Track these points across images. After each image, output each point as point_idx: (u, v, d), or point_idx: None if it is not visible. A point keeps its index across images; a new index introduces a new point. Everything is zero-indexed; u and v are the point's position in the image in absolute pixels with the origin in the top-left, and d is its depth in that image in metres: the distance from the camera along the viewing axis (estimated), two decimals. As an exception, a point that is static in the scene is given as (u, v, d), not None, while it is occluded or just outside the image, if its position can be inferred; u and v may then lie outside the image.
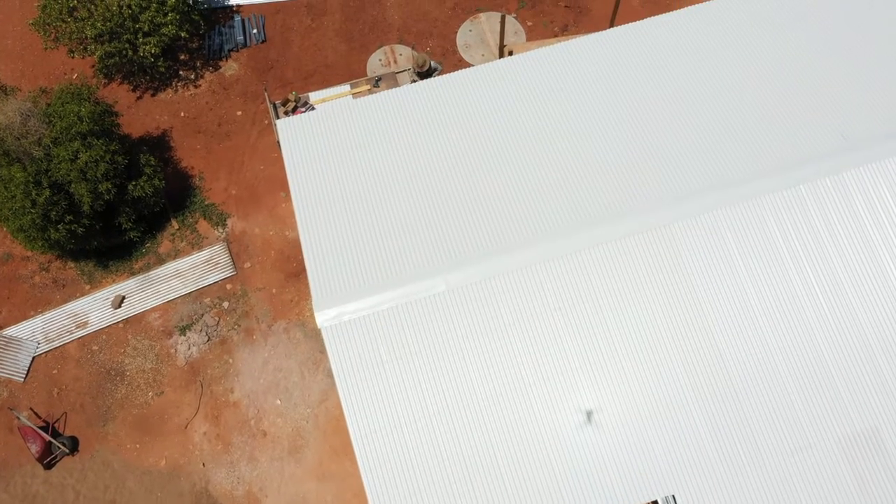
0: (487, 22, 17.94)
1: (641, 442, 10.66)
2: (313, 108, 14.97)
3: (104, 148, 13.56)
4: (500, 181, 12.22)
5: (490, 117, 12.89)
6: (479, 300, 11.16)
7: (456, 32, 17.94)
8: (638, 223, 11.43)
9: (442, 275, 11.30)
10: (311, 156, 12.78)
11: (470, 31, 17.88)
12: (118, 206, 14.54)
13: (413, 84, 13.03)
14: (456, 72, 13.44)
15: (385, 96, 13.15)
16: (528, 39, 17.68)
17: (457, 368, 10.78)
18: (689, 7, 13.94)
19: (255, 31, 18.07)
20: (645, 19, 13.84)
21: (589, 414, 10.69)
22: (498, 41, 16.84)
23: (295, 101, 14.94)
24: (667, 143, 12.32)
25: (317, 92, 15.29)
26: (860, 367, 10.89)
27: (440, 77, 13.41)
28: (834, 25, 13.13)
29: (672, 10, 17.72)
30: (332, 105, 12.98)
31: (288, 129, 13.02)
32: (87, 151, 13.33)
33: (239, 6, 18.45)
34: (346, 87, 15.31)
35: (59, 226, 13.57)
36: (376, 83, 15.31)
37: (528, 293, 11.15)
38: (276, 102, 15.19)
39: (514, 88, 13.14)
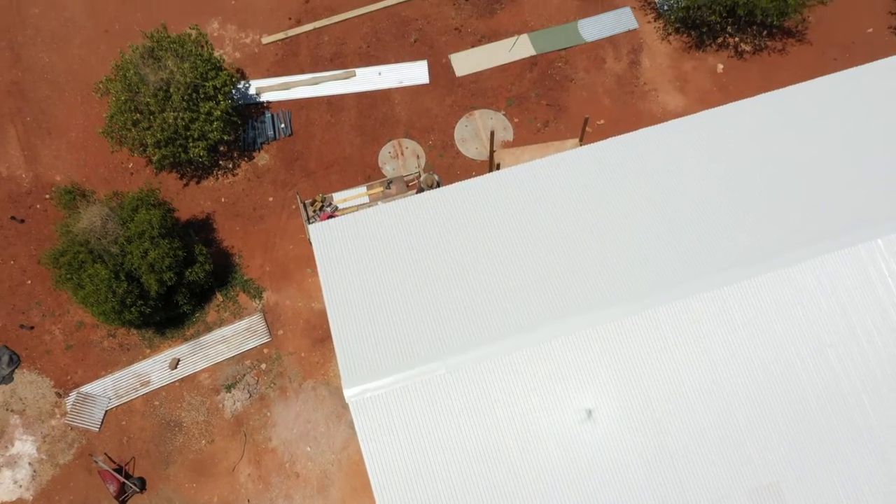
0: (481, 118, 21.12)
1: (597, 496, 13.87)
2: (336, 207, 18.14)
3: (168, 246, 16.74)
4: (490, 279, 15.33)
5: (484, 224, 15.96)
6: (472, 380, 14.33)
7: (454, 127, 21.12)
8: (596, 317, 14.62)
9: (443, 359, 14.45)
10: (338, 256, 15.89)
11: (466, 126, 21.06)
12: (177, 288, 17.72)
13: (420, 195, 16.15)
14: (455, 184, 16.56)
15: (397, 206, 16.30)
16: (515, 134, 20.87)
17: (455, 437, 13.95)
18: (644, 129, 16.96)
19: (282, 125, 21.24)
20: (610, 139, 16.81)
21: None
22: (488, 138, 20.08)
23: (321, 200, 18.12)
24: (623, 247, 15.50)
25: (339, 193, 18.45)
26: (765, 432, 14.09)
27: (442, 189, 16.55)
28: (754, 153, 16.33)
29: (637, 109, 21.08)
30: (354, 214, 16.08)
31: (318, 232, 16.17)
32: (155, 250, 16.51)
33: (269, 103, 21.62)
34: (362, 189, 18.50)
35: (132, 309, 16.76)
36: (388, 185, 18.48)
37: (509, 375, 14.33)
38: (306, 202, 18.35)
39: (504, 199, 16.23)
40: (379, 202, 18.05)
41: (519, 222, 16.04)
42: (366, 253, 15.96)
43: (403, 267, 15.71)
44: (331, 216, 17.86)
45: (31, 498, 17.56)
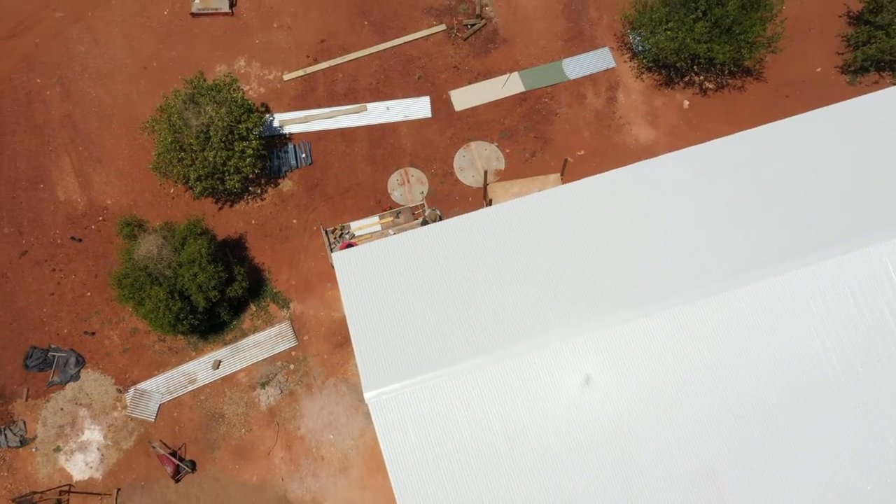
0: (476, 149, 24.21)
1: (571, 476, 17.24)
2: (353, 234, 21.33)
3: (213, 269, 19.97)
4: (485, 299, 18.54)
5: (480, 251, 19.07)
6: (470, 383, 17.64)
7: (453, 157, 24.20)
8: (584, 326, 17.85)
9: (445, 367, 17.76)
10: (357, 279, 19.09)
11: (463, 156, 24.15)
12: (219, 302, 20.97)
13: (425, 227, 19.32)
14: (455, 218, 19.64)
15: (406, 237, 19.43)
16: (507, 164, 23.96)
17: (456, 434, 17.30)
18: (622, 168, 19.99)
19: (303, 155, 24.32)
20: (587, 178, 19.85)
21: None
22: (483, 166, 23.22)
23: (340, 229, 21.30)
24: (594, 271, 18.71)
25: (355, 222, 21.65)
26: (707, 426, 17.46)
27: (444, 222, 19.67)
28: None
29: (613, 141, 24.13)
30: (371, 244, 19.25)
31: (341, 259, 19.37)
32: (203, 273, 19.73)
33: (291, 134, 24.67)
34: (375, 219, 21.67)
35: (184, 322, 20.04)
36: (397, 215, 21.65)
37: (499, 380, 17.64)
38: (327, 230, 21.53)
39: (498, 229, 19.35)
40: (390, 230, 21.26)
41: (511, 249, 19.20)
42: (381, 277, 19.14)
43: (412, 288, 18.90)
44: (349, 244, 21.07)
45: (101, 477, 21.01)
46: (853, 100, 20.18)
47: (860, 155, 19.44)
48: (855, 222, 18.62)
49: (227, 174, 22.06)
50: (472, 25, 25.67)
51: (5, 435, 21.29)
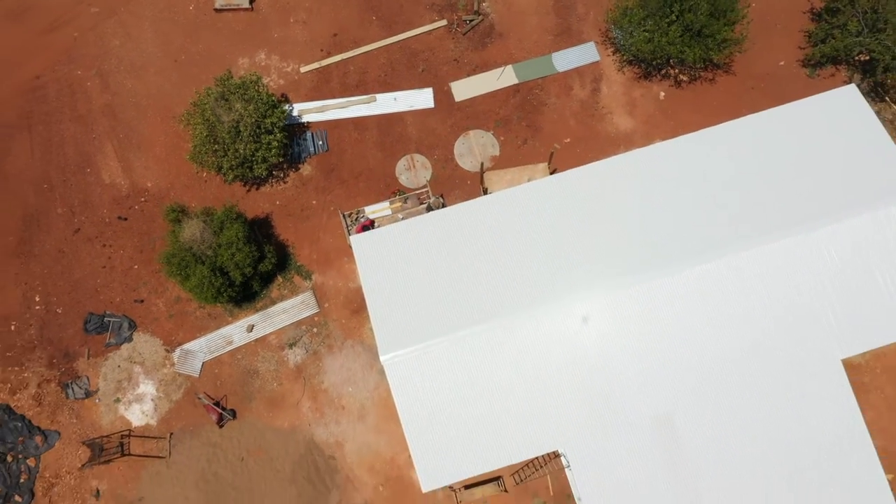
0: (474, 137, 27.17)
1: (550, 417, 20.91)
2: (367, 216, 24.54)
3: (248, 250, 23.27)
4: (485, 276, 21.84)
5: (478, 233, 22.38)
6: (469, 348, 21.13)
7: (454, 144, 27.19)
8: (568, 298, 21.31)
9: (448, 334, 21.24)
10: (372, 259, 22.44)
11: (463, 143, 27.13)
12: (252, 276, 24.33)
13: (430, 212, 22.53)
14: (457, 205, 22.80)
15: (414, 222, 22.66)
16: (501, 150, 26.95)
17: (456, 388, 20.88)
18: (600, 161, 23.07)
19: (320, 142, 27.28)
20: (576, 168, 22.91)
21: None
22: (480, 153, 26.26)
23: (356, 213, 24.49)
24: (578, 252, 21.99)
25: (369, 206, 24.83)
26: (666, 377, 21.04)
27: (449, 208, 22.82)
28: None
29: (596, 129, 27.05)
30: (383, 228, 22.51)
31: (358, 241, 22.66)
32: (239, 253, 23.04)
33: (309, 123, 27.57)
34: (386, 204, 24.84)
35: (224, 294, 23.45)
36: (405, 201, 24.81)
37: (492, 345, 21.14)
38: (345, 213, 24.72)
39: (494, 215, 22.51)
40: (399, 214, 24.45)
41: (505, 233, 22.42)
42: (392, 257, 22.48)
43: (420, 267, 22.24)
44: (364, 226, 24.29)
45: (155, 424, 24.77)
46: (800, 101, 23.14)
47: (805, 152, 22.54)
48: (798, 211, 21.89)
49: (255, 163, 25.11)
50: (471, 21, 28.28)
51: (72, 388, 24.95)
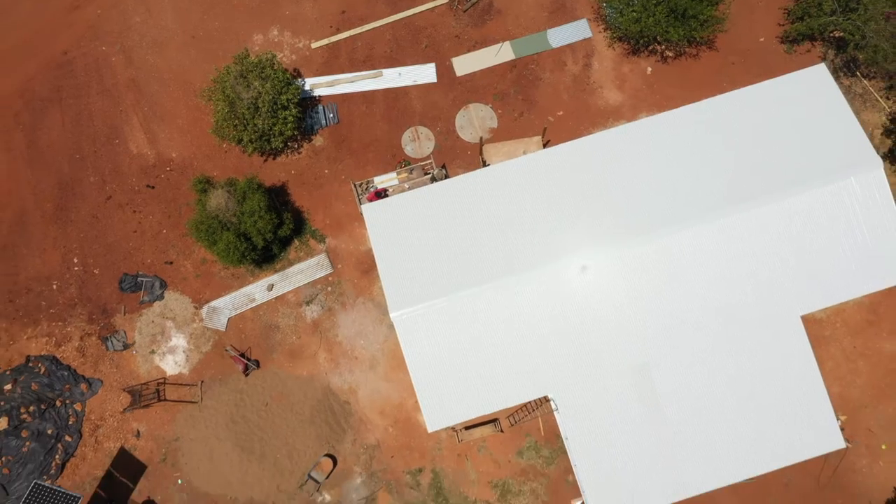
0: (474, 110, 29.25)
1: (539, 365, 23.65)
2: (376, 186, 26.83)
3: (269, 217, 25.66)
4: (484, 241, 24.26)
5: (479, 202, 24.69)
6: (469, 306, 23.72)
7: (455, 117, 29.28)
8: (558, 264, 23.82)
9: (450, 294, 23.79)
10: (382, 225, 24.83)
11: (463, 116, 29.22)
12: (272, 241, 26.78)
13: (434, 183, 24.87)
14: (459, 176, 25.08)
15: (420, 192, 24.96)
16: (499, 122, 29.05)
17: (457, 341, 23.54)
18: (588, 136, 25.30)
19: (331, 115, 29.37)
20: (567, 143, 25.12)
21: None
22: (479, 126, 28.41)
23: (367, 183, 26.80)
24: (568, 220, 24.39)
25: (378, 177, 27.10)
26: (644, 332, 23.70)
27: (451, 179, 25.11)
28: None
29: (587, 103, 29.12)
30: (392, 198, 24.86)
31: (369, 210, 25.02)
32: (261, 220, 25.44)
33: (320, 97, 29.61)
34: (394, 174, 27.10)
35: (247, 258, 25.95)
36: (411, 171, 27.07)
37: (489, 304, 23.70)
38: (356, 183, 27.01)
39: (493, 185, 24.79)
40: (405, 184, 26.75)
41: (502, 202, 24.72)
42: (401, 224, 24.85)
43: (426, 233, 24.64)
44: (377, 193, 26.62)
45: (188, 373, 27.57)
46: (772, 80, 25.17)
47: (774, 128, 24.71)
48: (766, 183, 24.19)
49: (272, 137, 27.28)
50: (471, -2, 30.07)
51: (111, 341, 27.67)
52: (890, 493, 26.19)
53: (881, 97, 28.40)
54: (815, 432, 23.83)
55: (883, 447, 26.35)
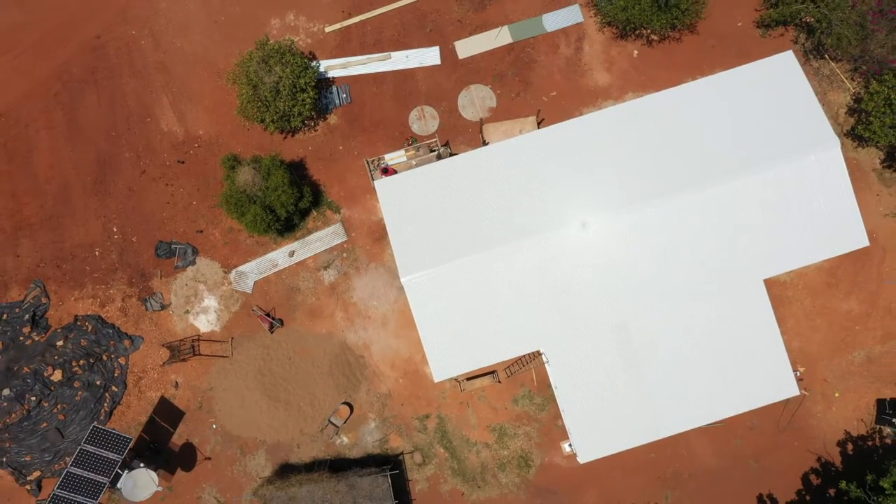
0: (475, 91, 31.88)
1: (532, 319, 26.89)
2: (387, 163, 29.69)
3: (292, 191, 28.59)
4: (485, 212, 27.23)
5: (481, 178, 27.53)
6: (472, 271, 26.81)
7: (457, 97, 31.93)
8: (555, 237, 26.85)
9: (455, 260, 26.85)
10: (394, 198, 27.72)
11: (465, 96, 31.88)
12: (294, 212, 29.76)
13: (440, 161, 27.77)
14: (462, 154, 27.96)
15: (427, 168, 27.82)
16: (498, 102, 31.71)
17: (461, 303, 26.71)
18: (576, 118, 28.07)
19: (344, 95, 32.02)
20: (559, 123, 27.93)
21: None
22: (481, 106, 31.13)
23: (378, 160, 29.66)
24: (563, 191, 27.32)
25: (388, 154, 29.93)
26: (623, 293, 26.87)
27: (455, 157, 27.97)
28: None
29: (578, 84, 31.74)
30: (402, 174, 27.76)
31: (382, 185, 27.93)
32: (284, 194, 28.38)
33: (334, 78, 32.22)
34: (402, 152, 29.93)
35: (272, 228, 28.98)
36: (418, 149, 29.90)
37: (488, 269, 26.78)
38: (368, 160, 29.85)
39: (493, 163, 27.65)
40: (413, 161, 29.60)
41: (501, 179, 27.60)
42: (410, 197, 27.75)
43: (433, 205, 27.53)
44: (385, 170, 29.49)
45: (219, 330, 30.83)
46: (743, 66, 27.86)
47: (744, 111, 27.47)
48: (734, 161, 27.06)
49: (292, 117, 30.02)
50: (472, -15, 32.40)
51: (150, 302, 30.88)
52: (841, 434, 29.72)
53: (846, 78, 31.05)
54: (773, 382, 27.20)
55: (836, 394, 29.79)
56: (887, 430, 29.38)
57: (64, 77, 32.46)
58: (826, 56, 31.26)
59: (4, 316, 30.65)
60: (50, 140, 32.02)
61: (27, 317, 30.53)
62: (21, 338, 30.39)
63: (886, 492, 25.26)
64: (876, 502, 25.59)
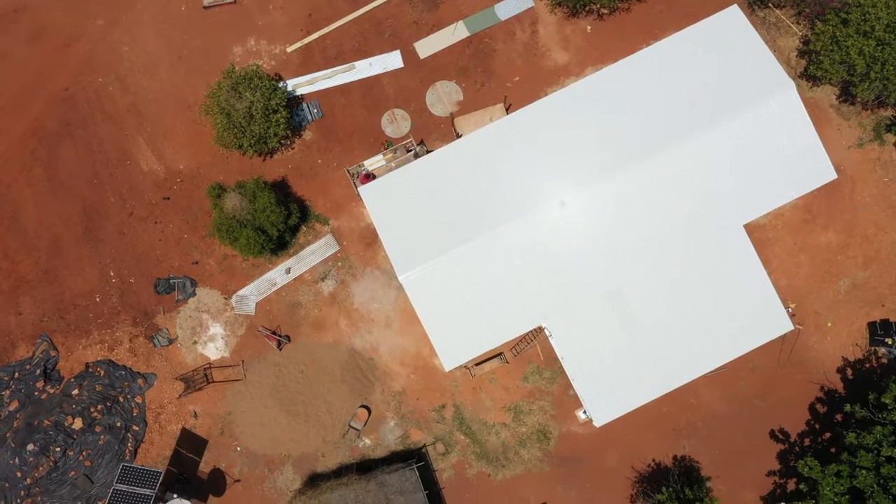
0: (441, 87, 32.78)
1: (531, 296, 27.84)
2: (367, 169, 30.49)
3: (280, 210, 29.33)
4: (465, 205, 28.19)
5: (459, 171, 28.46)
6: (462, 260, 27.69)
7: (425, 96, 32.81)
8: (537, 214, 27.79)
9: (448, 251, 27.71)
10: (380, 201, 28.56)
11: (432, 94, 32.77)
12: (284, 230, 30.50)
13: (418, 159, 28.62)
14: (439, 149, 28.87)
15: (407, 168, 28.67)
16: (464, 95, 32.62)
17: (456, 292, 27.59)
18: (541, 99, 29.06)
19: (315, 110, 32.80)
20: (526, 106, 28.90)
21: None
22: (448, 101, 32.04)
23: (358, 167, 30.46)
24: (540, 172, 28.28)
25: (368, 160, 30.75)
26: (613, 259, 27.89)
27: (431, 153, 28.86)
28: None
29: (538, 66, 32.72)
30: (384, 177, 28.59)
31: (366, 190, 28.75)
32: (273, 214, 29.11)
33: (303, 95, 32.98)
34: (380, 156, 30.76)
35: (266, 248, 29.70)
36: (395, 151, 30.74)
37: (477, 257, 27.69)
38: (349, 169, 30.64)
39: (468, 154, 28.60)
40: (391, 163, 30.45)
41: (477, 169, 28.57)
42: (395, 198, 28.60)
43: (417, 203, 28.43)
44: (367, 176, 30.30)
45: (229, 355, 31.50)
46: (692, 26, 28.99)
47: (701, 69, 28.58)
48: (699, 117, 28.16)
49: (268, 139, 30.75)
50: (422, -14, 33.29)
51: (157, 339, 31.47)
52: (839, 361, 30.96)
53: (792, 23, 32.30)
54: (768, 321, 28.35)
55: (829, 324, 31.02)
56: (882, 350, 30.65)
57: (38, 133, 32.95)
58: (770, 4, 32.48)
59: (16, 374, 31.13)
60: (34, 197, 32.50)
61: (38, 371, 31.03)
62: (36, 393, 30.88)
63: (889, 407, 26.46)
64: (881, 418, 26.77)
